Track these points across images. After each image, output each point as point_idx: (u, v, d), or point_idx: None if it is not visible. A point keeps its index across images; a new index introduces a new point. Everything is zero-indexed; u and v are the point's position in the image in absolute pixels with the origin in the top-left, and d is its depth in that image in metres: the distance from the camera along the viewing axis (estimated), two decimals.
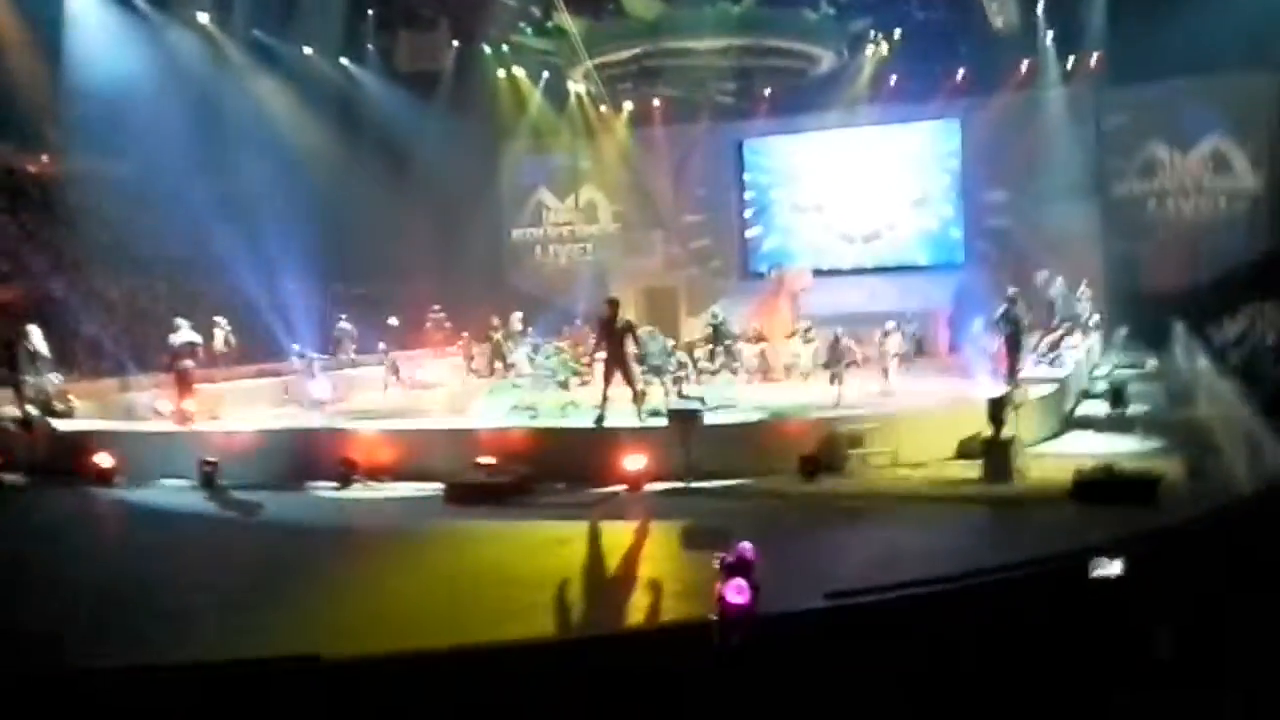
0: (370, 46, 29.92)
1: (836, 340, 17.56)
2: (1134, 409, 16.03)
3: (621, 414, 14.27)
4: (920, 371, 20.15)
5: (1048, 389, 15.26)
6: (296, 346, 20.46)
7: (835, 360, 17.23)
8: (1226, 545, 7.72)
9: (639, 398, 14.63)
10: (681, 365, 17.13)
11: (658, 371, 16.94)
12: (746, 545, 5.49)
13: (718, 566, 5.43)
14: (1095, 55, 28.03)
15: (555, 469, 12.97)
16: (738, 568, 5.35)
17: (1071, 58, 28.57)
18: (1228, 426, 12.72)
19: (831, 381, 17.01)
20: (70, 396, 17.82)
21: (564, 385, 17.49)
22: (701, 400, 14.84)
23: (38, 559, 10.33)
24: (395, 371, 22.36)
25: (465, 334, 24.75)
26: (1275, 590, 6.36)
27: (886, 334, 18.81)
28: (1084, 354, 20.98)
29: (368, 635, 7.40)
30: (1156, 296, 26.43)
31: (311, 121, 28.02)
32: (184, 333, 17.57)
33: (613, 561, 9.95)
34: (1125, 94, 28.74)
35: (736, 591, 5.21)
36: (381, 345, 23.04)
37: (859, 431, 12.88)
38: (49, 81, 24.07)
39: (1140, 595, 6.20)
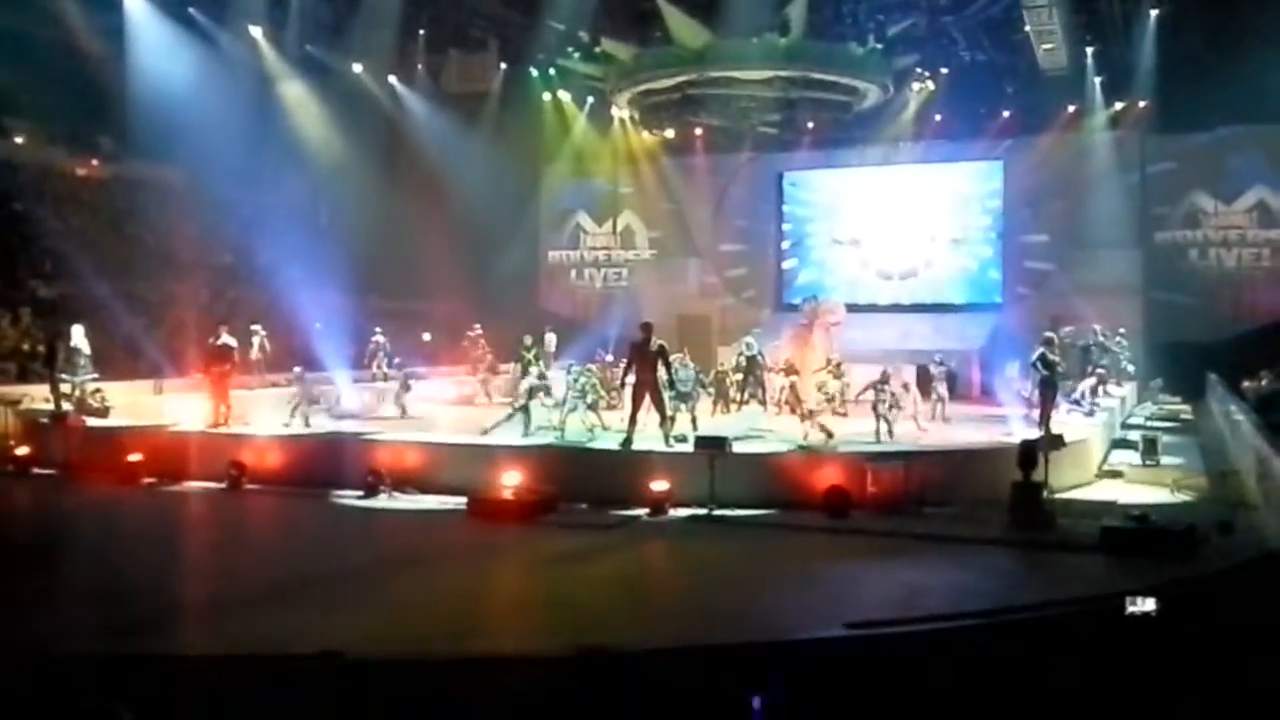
0: (420, 66, 30.24)
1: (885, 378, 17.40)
2: (1166, 460, 15.83)
3: (648, 438, 14.26)
4: (952, 412, 19.98)
5: (1080, 436, 15.08)
6: (298, 369, 19.69)
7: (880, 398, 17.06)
8: (1256, 598, 7.62)
9: (667, 422, 14.62)
10: (684, 397, 16.93)
11: (686, 399, 16.91)
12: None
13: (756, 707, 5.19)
14: (1143, 102, 27.87)
15: (579, 489, 12.96)
16: None
17: (1119, 103, 28.42)
18: (1261, 482, 12.53)
19: (877, 419, 16.86)
20: (104, 395, 18.07)
21: (592, 407, 17.50)
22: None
23: (60, 547, 10.51)
24: (406, 388, 21.77)
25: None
26: None
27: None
28: (1118, 403, 20.75)
29: (388, 639, 7.44)
30: (1194, 347, 26.15)
31: (358, 137, 28.35)
32: (221, 338, 17.76)
33: (629, 582, 9.89)
34: (1171, 142, 28.59)
35: None
36: (397, 360, 22.87)
37: (887, 469, 12.78)
38: (104, 89, 24.53)
39: (1168, 646, 6.11)
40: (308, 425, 17.84)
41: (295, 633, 7.58)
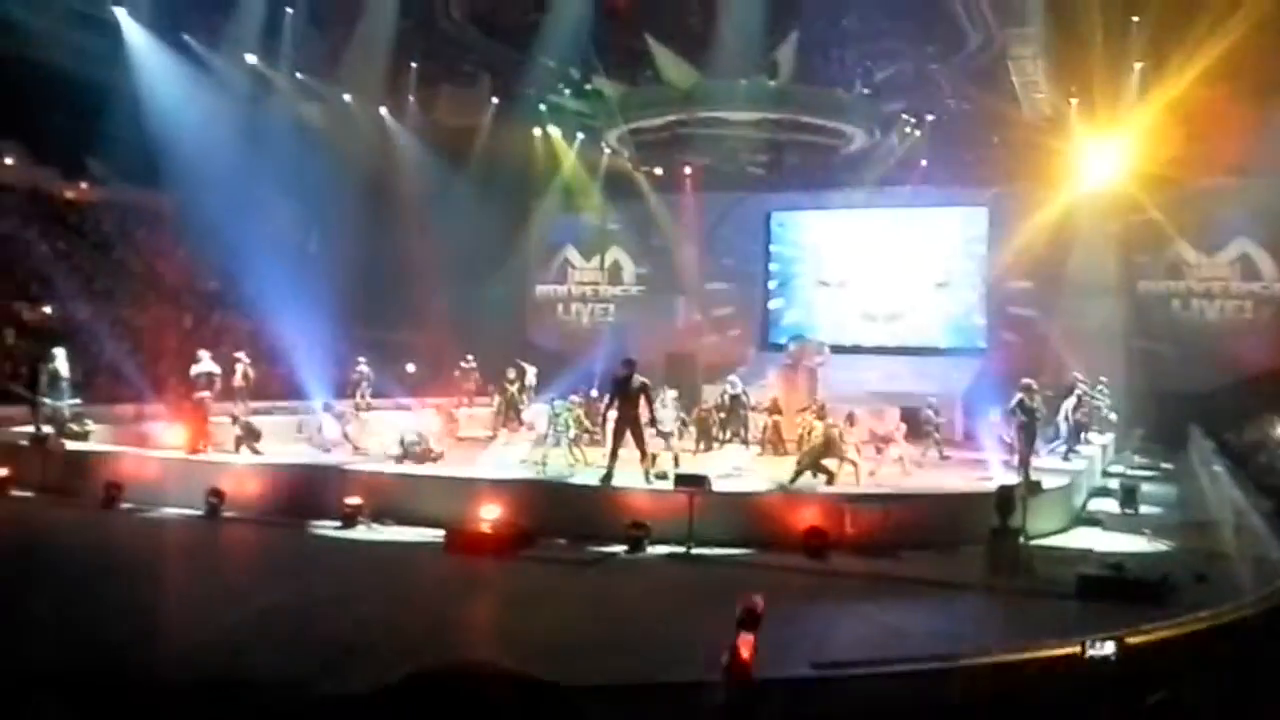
0: (411, 98, 30.38)
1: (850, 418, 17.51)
2: (1145, 509, 15.87)
3: (628, 475, 14.26)
4: (933, 456, 20.04)
5: (1059, 483, 15.13)
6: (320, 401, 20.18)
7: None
8: (1227, 649, 7.64)
9: (647, 459, 14.64)
10: (665, 435, 17.18)
11: (667, 436, 16.96)
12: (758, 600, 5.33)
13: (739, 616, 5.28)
14: (1126, 152, 28.07)
15: (558, 524, 12.95)
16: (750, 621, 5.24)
17: (1103, 152, 28.63)
18: (1238, 534, 12.58)
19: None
20: (86, 420, 17.99)
21: (574, 442, 17.52)
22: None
23: (32, 571, 10.44)
24: (346, 420, 20.37)
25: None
26: (1271, 696, 6.29)
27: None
28: (1098, 450, 20.82)
29: (352, 670, 7.39)
30: (1175, 397, 26.23)
31: (348, 166, 28.36)
32: (204, 364, 17.75)
33: (599, 619, 9.84)
34: (1154, 192, 28.77)
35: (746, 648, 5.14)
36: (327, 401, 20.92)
37: (866, 511, 12.80)
38: (95, 113, 24.55)
39: (1135, 694, 6.12)
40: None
41: (260, 663, 7.54)
